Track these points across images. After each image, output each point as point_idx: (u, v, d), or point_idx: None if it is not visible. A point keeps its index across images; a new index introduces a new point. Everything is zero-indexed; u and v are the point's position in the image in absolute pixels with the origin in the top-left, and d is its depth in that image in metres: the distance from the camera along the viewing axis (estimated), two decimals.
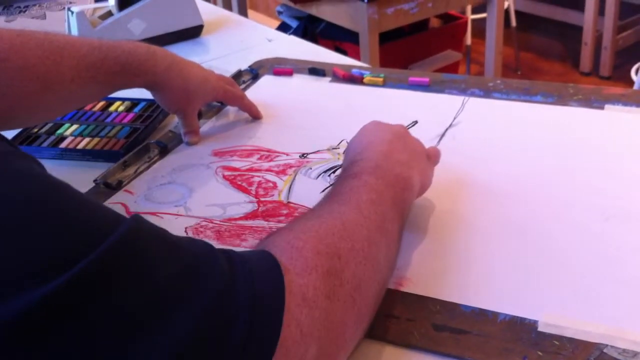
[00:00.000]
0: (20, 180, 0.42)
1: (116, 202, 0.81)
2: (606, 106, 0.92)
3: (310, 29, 2.47)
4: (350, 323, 0.51)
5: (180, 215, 0.78)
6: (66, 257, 0.38)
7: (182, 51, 0.93)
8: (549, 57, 3.29)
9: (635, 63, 2.62)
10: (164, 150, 0.91)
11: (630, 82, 2.64)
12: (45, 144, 0.94)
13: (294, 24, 2.53)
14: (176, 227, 0.75)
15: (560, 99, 0.95)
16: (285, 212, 0.77)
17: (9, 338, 0.37)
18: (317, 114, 0.99)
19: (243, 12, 2.95)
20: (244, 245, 0.72)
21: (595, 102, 0.94)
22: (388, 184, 0.62)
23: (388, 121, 0.82)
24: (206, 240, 0.72)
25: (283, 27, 2.51)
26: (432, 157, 0.74)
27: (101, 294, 0.39)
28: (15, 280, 0.37)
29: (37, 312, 0.37)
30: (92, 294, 0.38)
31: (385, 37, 2.23)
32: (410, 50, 2.49)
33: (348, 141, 0.73)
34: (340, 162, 0.84)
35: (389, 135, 0.69)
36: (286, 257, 0.49)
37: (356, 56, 1.99)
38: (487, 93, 0.99)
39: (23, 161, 0.44)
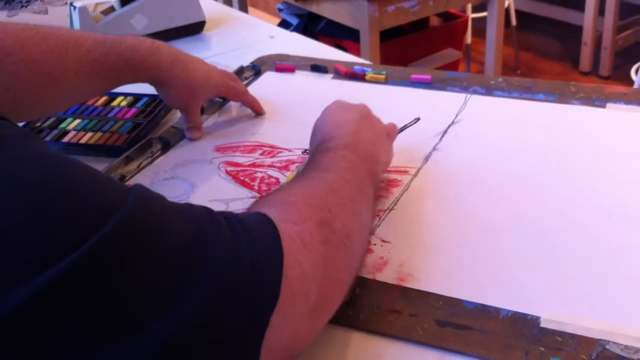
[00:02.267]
0: (30, 160, 0.42)
1: None
2: (608, 105, 0.93)
3: (311, 26, 2.47)
4: (342, 267, 0.56)
5: None
6: (75, 236, 0.39)
7: (184, 47, 0.93)
8: (548, 57, 3.29)
9: (635, 63, 2.63)
10: (167, 146, 0.92)
11: (630, 83, 2.65)
12: (47, 138, 0.94)
13: (294, 21, 2.53)
14: None
15: (562, 98, 0.96)
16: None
17: (21, 320, 0.37)
18: (319, 111, 0.99)
19: (243, 9, 2.94)
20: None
21: (597, 100, 0.94)
22: (361, 157, 0.67)
23: (390, 119, 0.83)
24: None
25: (283, 25, 2.51)
26: (390, 134, 0.79)
27: (112, 270, 0.40)
28: (25, 262, 0.38)
29: (50, 290, 0.37)
30: (103, 271, 0.39)
31: (386, 35, 2.23)
32: (410, 48, 2.49)
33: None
34: None
35: (355, 115, 0.74)
36: (282, 210, 0.53)
37: (356, 54, 1.99)
38: (489, 91, 0.99)
39: (33, 142, 0.45)
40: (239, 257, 0.46)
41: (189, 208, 0.48)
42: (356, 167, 0.65)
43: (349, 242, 0.57)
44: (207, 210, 0.49)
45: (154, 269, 0.42)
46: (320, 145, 0.68)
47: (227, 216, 0.50)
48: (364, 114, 0.75)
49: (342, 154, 0.66)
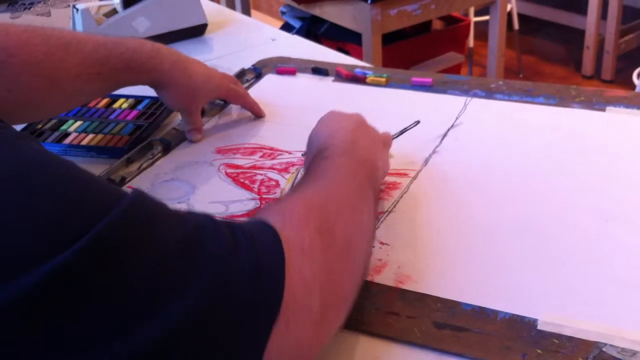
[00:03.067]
0: (27, 160, 0.42)
1: None
2: (608, 108, 0.93)
3: (313, 29, 2.48)
4: (346, 277, 0.54)
5: None
6: (73, 230, 0.39)
7: (186, 49, 0.93)
8: (551, 61, 3.29)
9: (637, 67, 2.63)
10: (167, 148, 0.92)
11: (632, 86, 2.65)
12: (49, 140, 0.95)
13: (297, 24, 2.53)
14: None
15: (563, 101, 0.96)
16: None
17: (19, 313, 0.37)
18: (319, 113, 0.99)
19: (246, 11, 2.95)
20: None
21: (597, 104, 0.94)
22: (359, 164, 0.66)
23: (391, 121, 0.83)
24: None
25: (286, 28, 2.52)
26: (386, 143, 0.79)
27: (110, 265, 0.40)
28: (24, 255, 0.38)
29: (47, 284, 0.38)
30: (100, 265, 0.39)
31: (388, 39, 2.23)
32: (413, 51, 2.50)
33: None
34: None
35: (352, 124, 0.73)
36: (280, 218, 0.52)
37: (359, 57, 1.99)
38: (489, 94, 0.99)
39: (30, 143, 0.45)
40: (239, 258, 0.46)
41: (190, 212, 0.49)
42: (354, 172, 0.64)
43: (351, 249, 0.56)
44: (208, 215, 0.49)
45: (150, 267, 0.41)
46: (317, 155, 0.67)
47: (228, 222, 0.49)
48: (359, 122, 0.74)
49: (339, 161, 0.65)
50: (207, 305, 0.43)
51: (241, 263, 0.45)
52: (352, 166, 0.65)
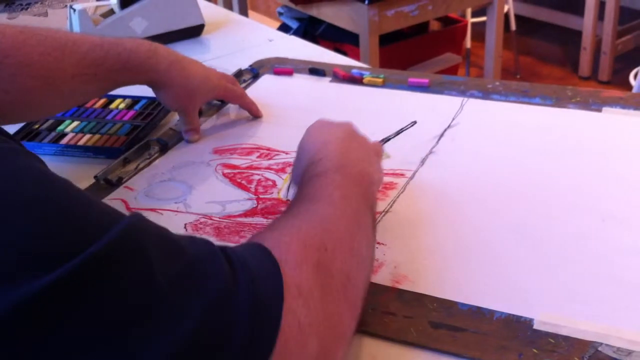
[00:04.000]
0: (21, 176, 0.41)
1: (116, 198, 0.81)
2: (604, 109, 0.93)
3: (311, 30, 2.48)
4: (345, 314, 0.52)
5: (180, 211, 0.78)
6: (63, 252, 0.38)
7: (183, 50, 0.93)
8: (548, 62, 3.30)
9: (634, 68, 2.63)
10: (165, 148, 0.92)
11: (629, 87, 2.65)
12: (46, 140, 0.95)
13: (294, 25, 2.54)
14: (176, 223, 0.76)
15: (559, 102, 0.96)
16: (284, 209, 0.77)
17: (3, 330, 0.36)
18: (316, 114, 0.98)
19: (244, 12, 2.95)
20: (242, 242, 0.72)
21: (593, 104, 0.94)
22: (354, 181, 0.63)
23: (387, 122, 0.83)
24: (205, 237, 0.73)
25: (283, 28, 2.52)
26: (378, 153, 0.75)
27: (96, 291, 0.38)
28: (10, 273, 0.37)
29: (30, 306, 0.36)
30: (86, 291, 0.37)
31: (385, 40, 2.24)
32: (410, 52, 2.50)
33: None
34: None
35: (342, 133, 0.70)
36: (276, 252, 0.50)
37: (356, 58, 1.98)
38: (486, 95, 1.00)
39: (25, 159, 0.44)
40: (235, 297, 0.43)
41: (188, 242, 0.46)
42: (350, 193, 0.61)
43: (349, 285, 0.53)
44: (208, 246, 0.47)
45: (133, 297, 0.39)
46: (308, 170, 0.65)
47: (227, 253, 0.47)
48: (350, 132, 0.71)
49: (332, 178, 0.62)
50: (194, 346, 0.40)
51: (237, 302, 0.43)
52: (346, 185, 0.62)
